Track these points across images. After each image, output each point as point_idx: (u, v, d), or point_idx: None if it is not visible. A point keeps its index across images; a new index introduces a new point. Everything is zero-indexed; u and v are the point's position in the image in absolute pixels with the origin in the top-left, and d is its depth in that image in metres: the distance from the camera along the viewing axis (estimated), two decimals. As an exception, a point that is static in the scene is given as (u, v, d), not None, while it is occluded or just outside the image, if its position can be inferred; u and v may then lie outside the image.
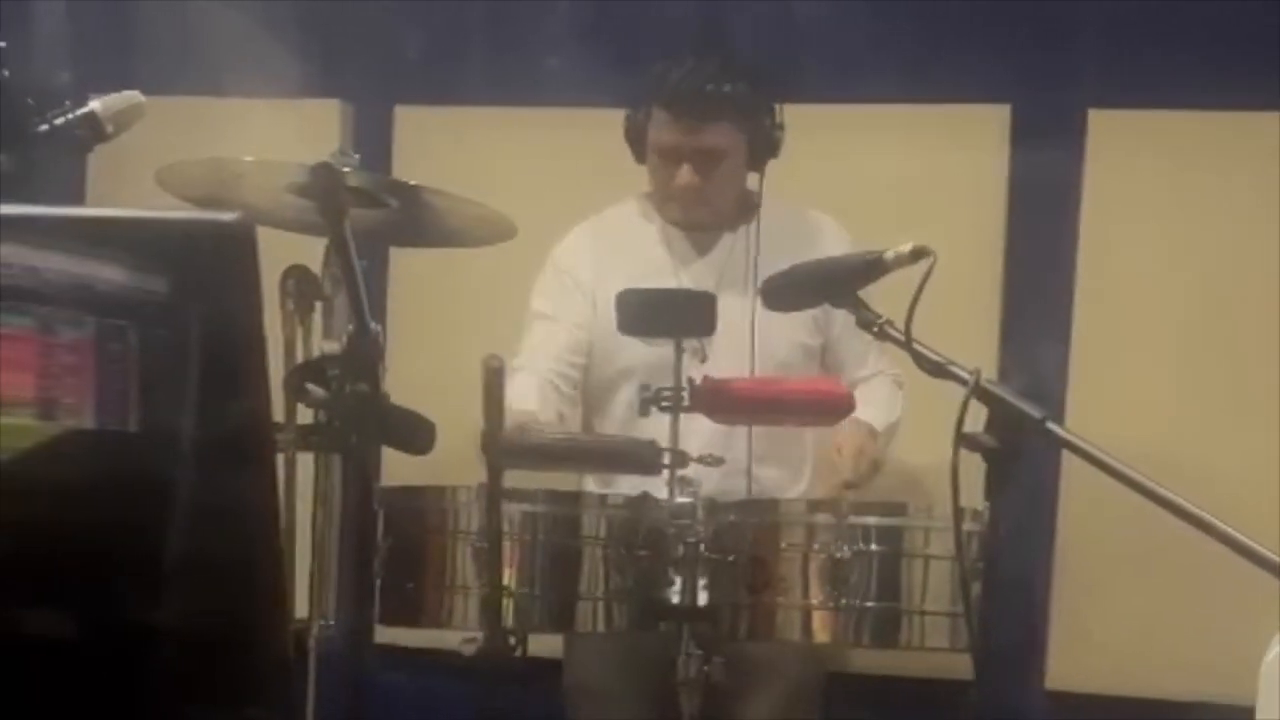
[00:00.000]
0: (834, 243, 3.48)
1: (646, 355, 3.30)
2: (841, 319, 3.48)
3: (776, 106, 3.48)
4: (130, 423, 1.37)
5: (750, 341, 3.26)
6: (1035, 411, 2.28)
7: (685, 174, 3.44)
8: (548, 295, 3.56)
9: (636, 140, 3.52)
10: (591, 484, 3.44)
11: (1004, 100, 4.02)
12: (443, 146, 4.15)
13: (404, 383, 2.69)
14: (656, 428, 2.92)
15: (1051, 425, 2.29)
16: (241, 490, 1.36)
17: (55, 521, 1.37)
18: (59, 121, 2.62)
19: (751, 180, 3.53)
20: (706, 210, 3.50)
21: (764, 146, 3.48)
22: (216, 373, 1.34)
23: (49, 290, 1.36)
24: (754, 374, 3.08)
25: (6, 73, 2.57)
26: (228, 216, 1.35)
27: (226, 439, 1.35)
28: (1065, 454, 2.89)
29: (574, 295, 3.53)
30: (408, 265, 4.09)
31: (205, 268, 1.34)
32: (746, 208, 3.53)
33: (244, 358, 1.35)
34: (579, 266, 3.56)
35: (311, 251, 2.73)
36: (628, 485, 3.08)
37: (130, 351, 1.37)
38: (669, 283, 3.38)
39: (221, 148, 3.02)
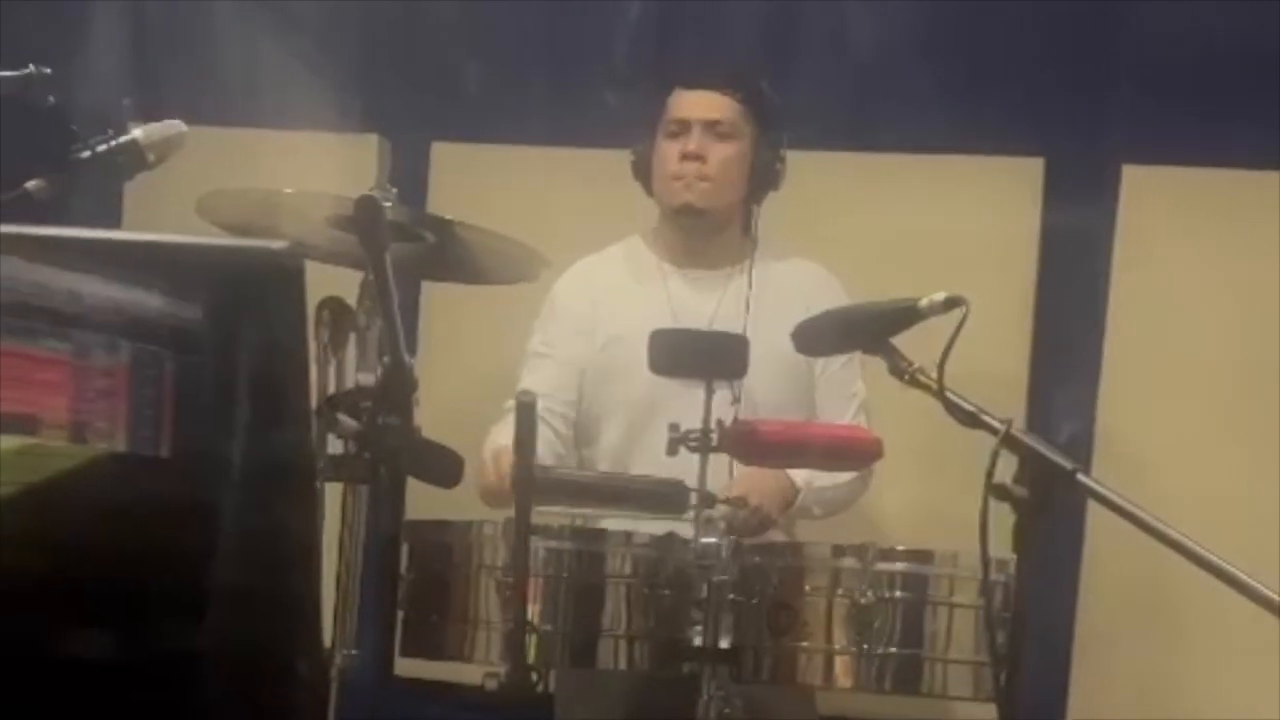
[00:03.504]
0: (829, 294, 3.49)
1: (636, 392, 3.37)
2: (831, 370, 3.51)
3: (783, 138, 3.54)
4: (162, 448, 1.38)
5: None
6: (1066, 463, 2.28)
7: (695, 137, 3.48)
8: (545, 333, 3.60)
9: (644, 170, 3.57)
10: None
11: (1038, 153, 4.03)
12: (478, 183, 4.17)
13: (431, 416, 2.70)
14: (651, 463, 2.94)
15: (1082, 477, 2.29)
16: (281, 519, 1.36)
17: (84, 543, 1.37)
18: (101, 148, 2.64)
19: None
20: (706, 192, 3.50)
21: (766, 171, 3.51)
22: (260, 402, 1.34)
23: (89, 315, 1.37)
24: (738, 415, 3.08)
25: (52, 99, 2.60)
26: (277, 245, 1.35)
27: (268, 468, 1.34)
28: (1091, 505, 2.89)
29: (569, 332, 3.56)
30: (439, 299, 4.11)
31: (252, 296, 1.34)
32: (743, 249, 3.55)
33: (288, 388, 1.35)
34: (575, 303, 3.59)
35: (339, 283, 2.75)
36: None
37: (165, 377, 1.38)
38: (665, 320, 3.38)
39: (258, 179, 3.05)
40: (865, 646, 2.75)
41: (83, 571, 1.38)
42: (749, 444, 2.87)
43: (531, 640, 2.73)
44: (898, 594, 2.76)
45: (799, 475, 3.36)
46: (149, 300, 1.37)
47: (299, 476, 1.38)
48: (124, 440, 1.38)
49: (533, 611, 2.74)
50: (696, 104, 3.51)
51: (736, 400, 3.06)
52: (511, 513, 2.66)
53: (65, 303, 1.36)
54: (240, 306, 1.34)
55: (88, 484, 1.37)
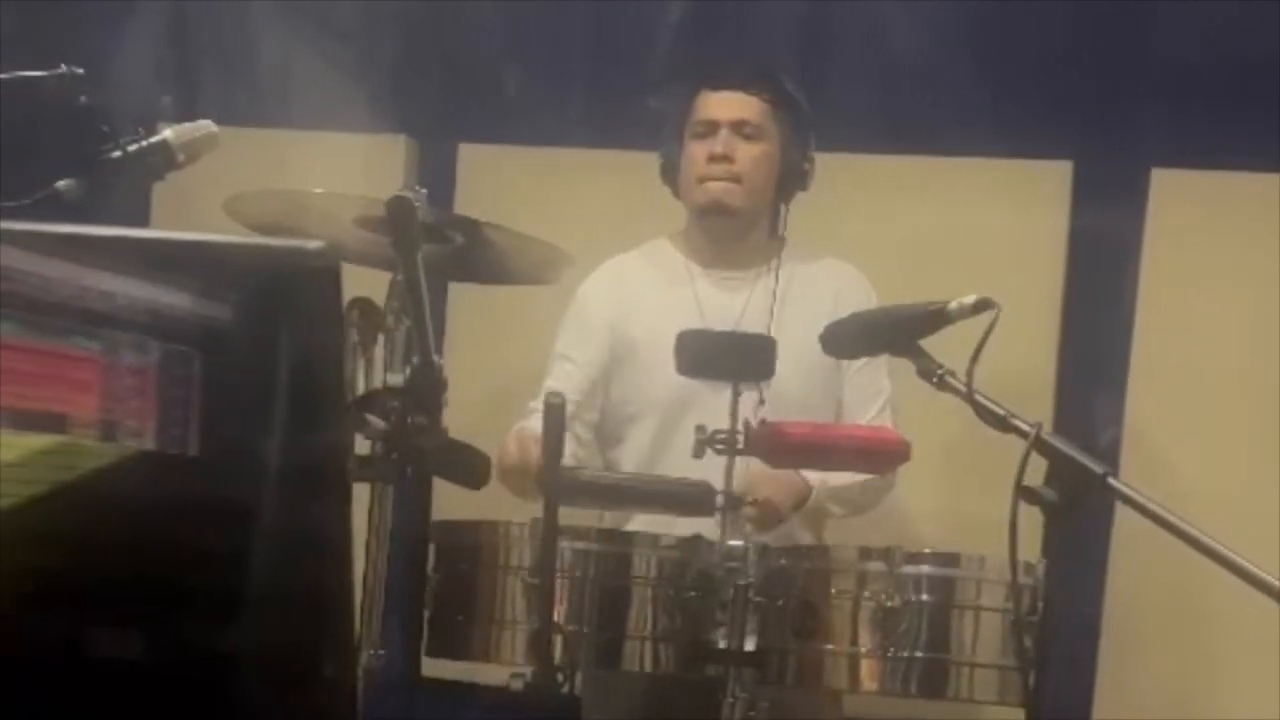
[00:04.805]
0: (857, 294, 3.50)
1: (662, 394, 3.36)
2: (856, 366, 3.50)
3: (810, 138, 3.53)
4: (190, 447, 1.38)
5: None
6: (1097, 467, 2.28)
7: (723, 139, 3.47)
8: (569, 335, 3.59)
9: (671, 172, 3.58)
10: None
11: (1067, 157, 4.02)
12: (505, 185, 4.18)
13: (458, 416, 2.71)
14: (678, 465, 2.94)
15: (1113, 480, 2.29)
16: (314, 519, 1.35)
17: (113, 542, 1.37)
18: (132, 148, 2.65)
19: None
20: (735, 193, 3.49)
21: (794, 171, 3.51)
22: (294, 402, 1.33)
23: (121, 314, 1.37)
24: (765, 416, 3.08)
25: (83, 98, 2.61)
26: (312, 246, 1.34)
27: (302, 468, 1.34)
28: (1118, 507, 2.88)
29: (594, 334, 3.55)
30: (466, 300, 4.11)
31: (288, 296, 1.33)
32: (771, 249, 3.55)
33: (324, 390, 1.34)
34: (601, 305, 3.58)
35: (366, 283, 2.75)
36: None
37: (195, 377, 1.38)
38: (693, 321, 3.37)
39: (285, 179, 3.06)
40: (891, 650, 2.74)
41: (111, 570, 1.37)
42: (775, 445, 2.86)
43: (557, 641, 2.74)
44: (924, 597, 2.75)
45: (812, 473, 3.35)
46: (182, 300, 1.37)
47: (332, 477, 1.38)
48: (153, 439, 1.38)
49: (559, 612, 2.74)
50: (723, 105, 3.51)
51: (763, 401, 3.05)
52: (536, 510, 2.67)
53: (96, 301, 1.36)
54: (276, 306, 1.33)
55: (117, 483, 1.37)
